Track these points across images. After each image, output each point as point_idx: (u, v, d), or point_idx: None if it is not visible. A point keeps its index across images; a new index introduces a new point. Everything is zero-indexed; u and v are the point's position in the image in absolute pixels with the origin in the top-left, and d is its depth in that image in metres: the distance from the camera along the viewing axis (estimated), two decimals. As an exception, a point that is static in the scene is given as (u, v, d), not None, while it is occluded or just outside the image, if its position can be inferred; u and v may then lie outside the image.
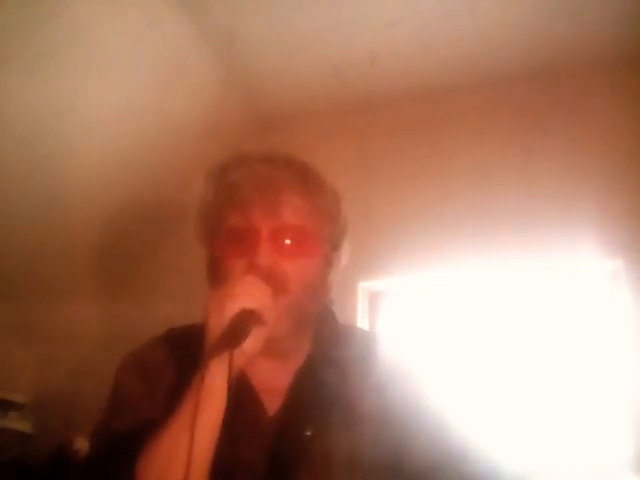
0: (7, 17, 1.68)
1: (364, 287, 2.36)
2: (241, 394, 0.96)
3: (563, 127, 2.29)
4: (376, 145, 2.51)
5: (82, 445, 1.98)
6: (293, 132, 2.60)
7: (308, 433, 0.95)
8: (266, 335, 0.90)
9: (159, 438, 0.85)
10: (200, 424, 0.81)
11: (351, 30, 2.17)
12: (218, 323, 0.85)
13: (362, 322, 2.32)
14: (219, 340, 0.84)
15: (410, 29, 2.16)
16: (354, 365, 1.02)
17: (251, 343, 0.87)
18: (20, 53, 1.77)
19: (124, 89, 2.11)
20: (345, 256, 1.10)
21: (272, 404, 0.99)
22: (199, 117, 2.44)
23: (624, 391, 1.99)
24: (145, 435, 0.87)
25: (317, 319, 1.06)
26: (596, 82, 2.28)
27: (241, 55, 2.29)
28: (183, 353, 0.94)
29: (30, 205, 2.16)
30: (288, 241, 0.97)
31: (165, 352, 1.02)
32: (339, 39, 2.21)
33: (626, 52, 2.22)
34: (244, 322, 0.86)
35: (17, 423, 2.19)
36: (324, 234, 1.03)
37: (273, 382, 1.01)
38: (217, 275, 1.00)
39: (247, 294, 0.88)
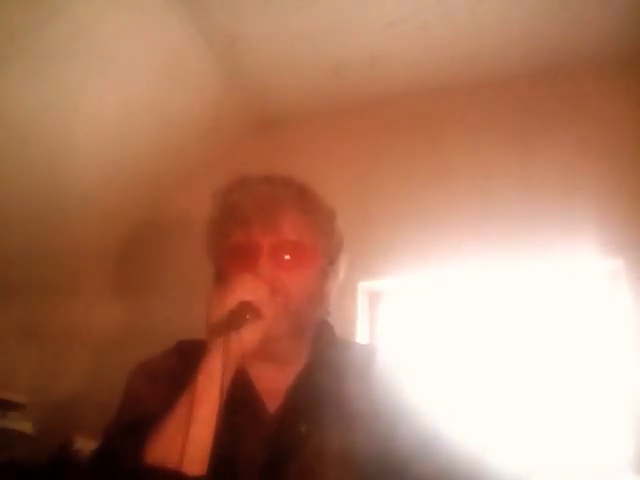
0: (7, 17, 1.68)
1: (364, 287, 2.36)
2: (244, 393, 1.05)
3: (563, 127, 2.29)
4: (376, 145, 2.51)
5: (82, 445, 1.98)
6: (293, 132, 2.61)
7: (303, 429, 1.03)
8: (265, 330, 0.97)
9: (165, 421, 0.92)
10: (200, 404, 0.90)
11: (351, 30, 2.17)
12: (218, 315, 0.94)
13: (362, 322, 2.32)
14: (217, 324, 0.93)
15: (410, 29, 2.16)
16: (350, 372, 1.09)
17: (249, 334, 0.95)
18: (20, 53, 1.77)
19: (124, 89, 2.11)
20: (342, 270, 1.18)
21: (272, 404, 1.07)
22: (199, 117, 2.44)
23: (624, 391, 1.99)
24: (153, 422, 0.93)
25: (316, 331, 1.14)
26: (596, 82, 2.28)
27: (241, 55, 2.29)
28: (191, 364, 0.99)
29: (30, 205, 2.16)
30: (287, 256, 1.05)
31: (175, 362, 1.09)
32: (339, 39, 2.21)
33: (626, 52, 2.22)
34: (241, 312, 0.94)
35: (17, 423, 2.19)
36: (320, 248, 1.11)
37: (274, 385, 1.08)
38: (221, 284, 1.05)
39: (244, 288, 0.96)
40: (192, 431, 0.89)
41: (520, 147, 2.32)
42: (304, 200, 1.11)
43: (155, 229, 2.57)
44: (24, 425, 2.19)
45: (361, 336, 2.28)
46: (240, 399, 1.01)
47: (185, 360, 1.04)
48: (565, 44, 2.21)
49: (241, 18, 2.12)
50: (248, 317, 0.94)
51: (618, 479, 1.92)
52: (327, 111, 2.56)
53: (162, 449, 0.89)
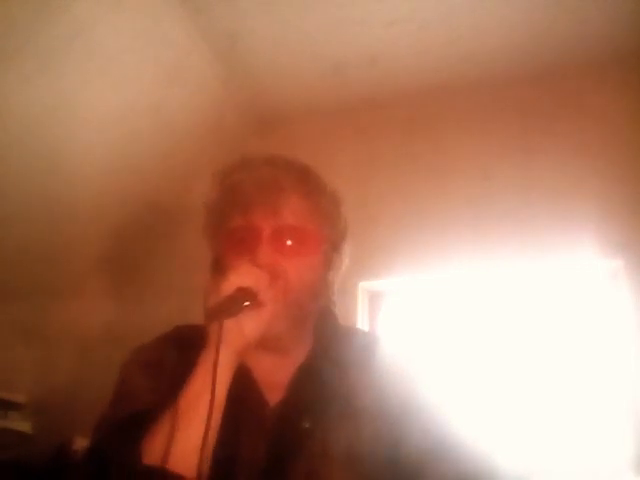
0: (7, 17, 1.68)
1: (364, 287, 2.36)
2: (244, 386, 0.99)
3: (563, 127, 2.29)
4: (376, 145, 2.51)
5: (82, 445, 1.98)
6: (294, 131, 2.60)
7: (306, 425, 0.98)
8: (267, 319, 0.93)
9: (162, 418, 0.89)
10: (197, 402, 0.87)
11: (351, 30, 2.17)
12: (215, 301, 0.90)
13: (362, 322, 2.32)
14: (214, 310, 0.89)
15: (410, 29, 2.16)
16: (354, 363, 1.04)
17: (251, 325, 0.92)
18: (20, 53, 1.77)
19: (124, 89, 2.10)
20: (346, 258, 1.12)
21: (273, 397, 1.02)
22: (199, 117, 2.44)
23: (624, 392, 1.99)
24: (149, 417, 0.90)
25: (318, 319, 1.09)
26: (596, 82, 2.28)
27: (242, 55, 2.29)
28: (188, 350, 0.96)
29: (30, 205, 2.15)
30: (289, 242, 1.00)
31: (170, 349, 1.05)
32: (339, 39, 2.21)
33: (626, 52, 2.22)
34: (239, 297, 0.90)
35: (17, 423, 2.19)
36: (324, 235, 1.06)
37: (275, 377, 1.03)
38: (219, 272, 1.02)
39: (241, 275, 0.92)
40: (185, 431, 0.86)
41: (520, 147, 2.32)
42: (307, 183, 1.06)
43: (155, 229, 2.56)
44: (23, 425, 2.19)
45: (361, 336, 2.27)
46: (238, 392, 0.95)
47: (183, 348, 1.00)
48: (565, 44, 2.21)
49: (242, 18, 2.12)
50: (247, 304, 0.90)
51: (618, 479, 1.92)
52: (327, 111, 2.56)
53: (160, 449, 0.86)
